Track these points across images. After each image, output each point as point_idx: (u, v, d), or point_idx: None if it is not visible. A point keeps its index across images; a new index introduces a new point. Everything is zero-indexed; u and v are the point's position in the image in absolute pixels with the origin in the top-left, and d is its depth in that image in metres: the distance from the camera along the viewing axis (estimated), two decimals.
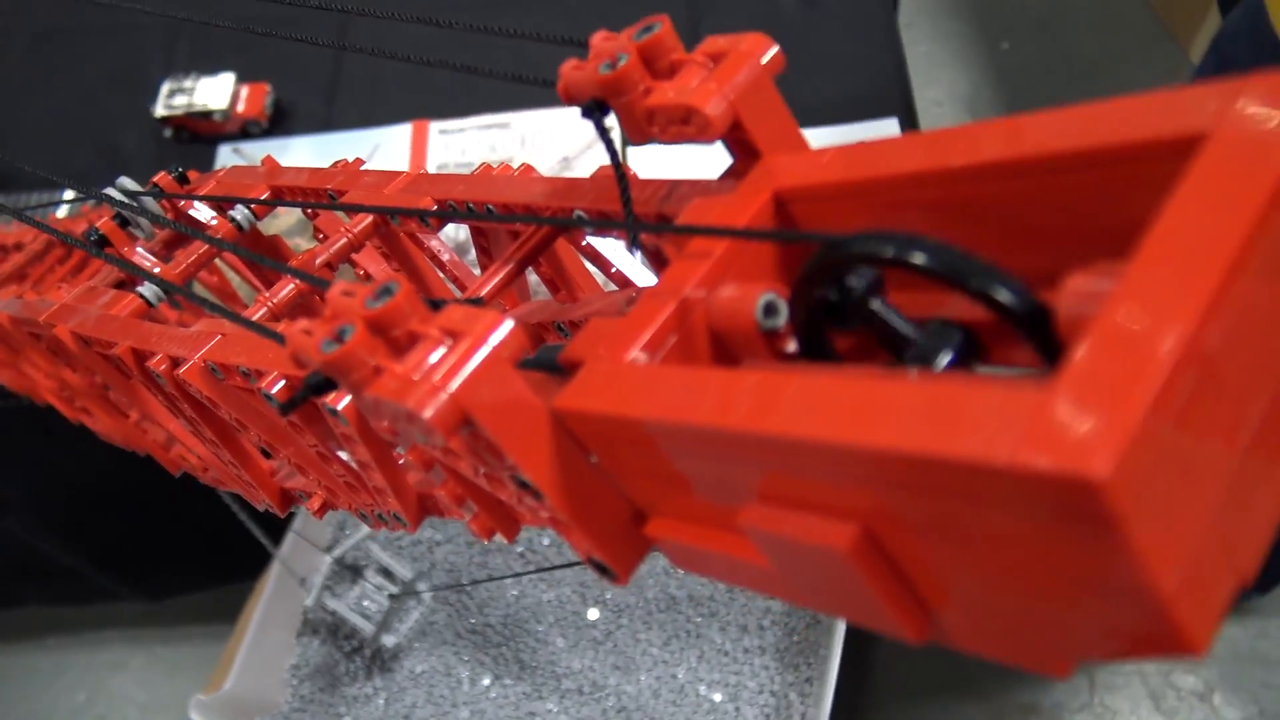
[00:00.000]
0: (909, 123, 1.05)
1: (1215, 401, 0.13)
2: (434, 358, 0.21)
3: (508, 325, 0.21)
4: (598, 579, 1.08)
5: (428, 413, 0.20)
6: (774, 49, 0.24)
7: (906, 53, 1.13)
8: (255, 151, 1.16)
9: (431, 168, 1.16)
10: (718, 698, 0.97)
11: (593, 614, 1.03)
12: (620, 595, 1.04)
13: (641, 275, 0.32)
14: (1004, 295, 0.17)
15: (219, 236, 0.43)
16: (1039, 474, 0.12)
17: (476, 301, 0.23)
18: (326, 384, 0.22)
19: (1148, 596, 0.13)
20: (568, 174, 1.02)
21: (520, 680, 1.00)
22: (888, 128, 1.05)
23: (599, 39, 0.26)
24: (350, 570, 0.96)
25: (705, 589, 1.02)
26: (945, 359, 0.19)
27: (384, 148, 1.17)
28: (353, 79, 1.24)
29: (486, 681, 1.02)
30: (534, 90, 1.10)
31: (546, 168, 1.07)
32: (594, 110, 0.25)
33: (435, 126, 1.18)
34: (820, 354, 0.21)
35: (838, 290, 0.20)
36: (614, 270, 0.33)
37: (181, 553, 1.24)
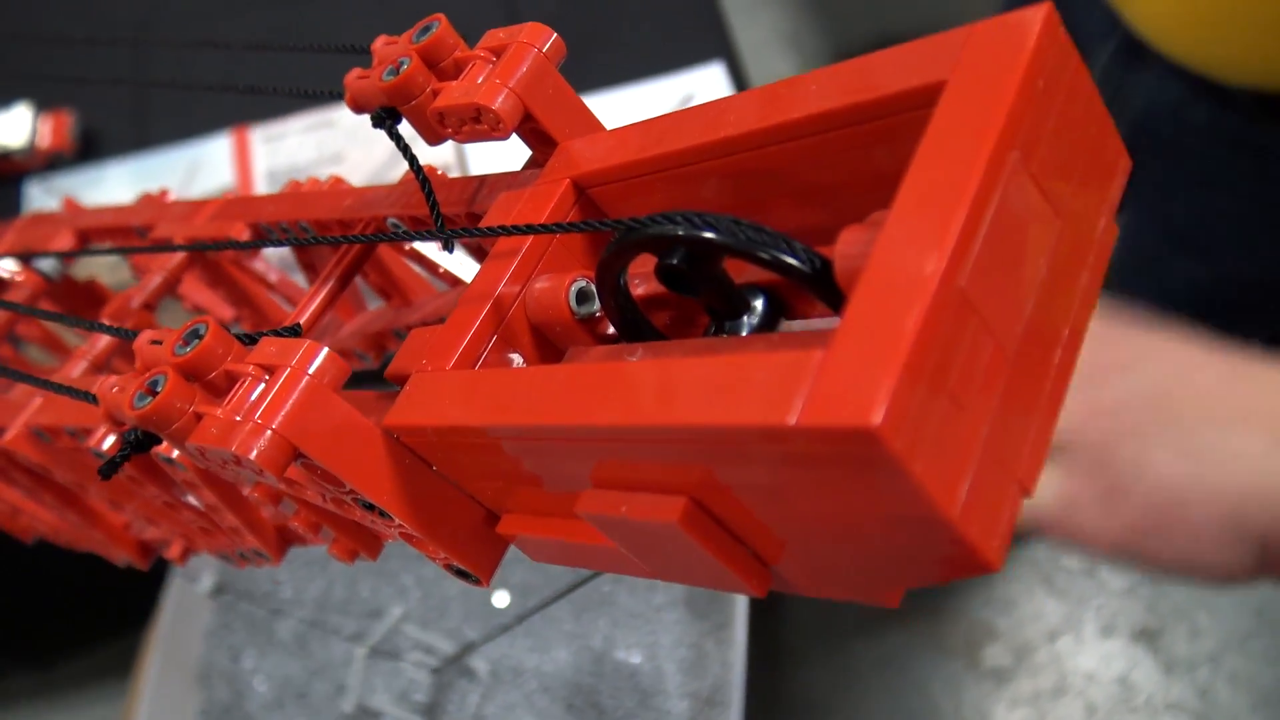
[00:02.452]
0: (733, 67, 1.07)
1: (976, 332, 0.14)
2: (254, 396, 0.20)
3: (323, 352, 0.20)
4: (500, 567, 1.08)
5: (254, 454, 0.19)
6: (553, 36, 0.24)
7: (725, 11, 1.14)
8: (68, 185, 1.10)
9: (260, 175, 1.12)
10: (636, 659, 0.99)
11: (500, 600, 1.03)
12: (526, 578, 1.04)
13: (468, 270, 0.32)
14: (790, 260, 0.17)
15: (26, 290, 0.41)
16: (820, 430, 0.13)
17: (295, 330, 0.23)
18: (148, 438, 0.22)
19: (938, 524, 0.14)
20: (401, 164, 1.00)
21: (438, 680, 1.00)
22: (712, 74, 1.06)
23: (380, 44, 0.26)
24: (386, 657, 0.92)
25: None
26: (749, 323, 0.20)
27: (206, 162, 1.12)
28: (161, 93, 1.18)
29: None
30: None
31: (379, 159, 1.05)
32: (384, 119, 0.25)
33: (258, 133, 1.13)
34: (640, 333, 0.22)
35: (686, 259, 0.20)
36: (441, 270, 0.32)
37: (62, 615, 1.18)
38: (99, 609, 1.14)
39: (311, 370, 0.20)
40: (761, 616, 0.91)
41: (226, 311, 0.41)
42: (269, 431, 0.20)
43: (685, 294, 0.20)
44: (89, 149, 1.12)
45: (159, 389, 0.20)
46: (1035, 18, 0.16)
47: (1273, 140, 0.66)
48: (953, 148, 0.15)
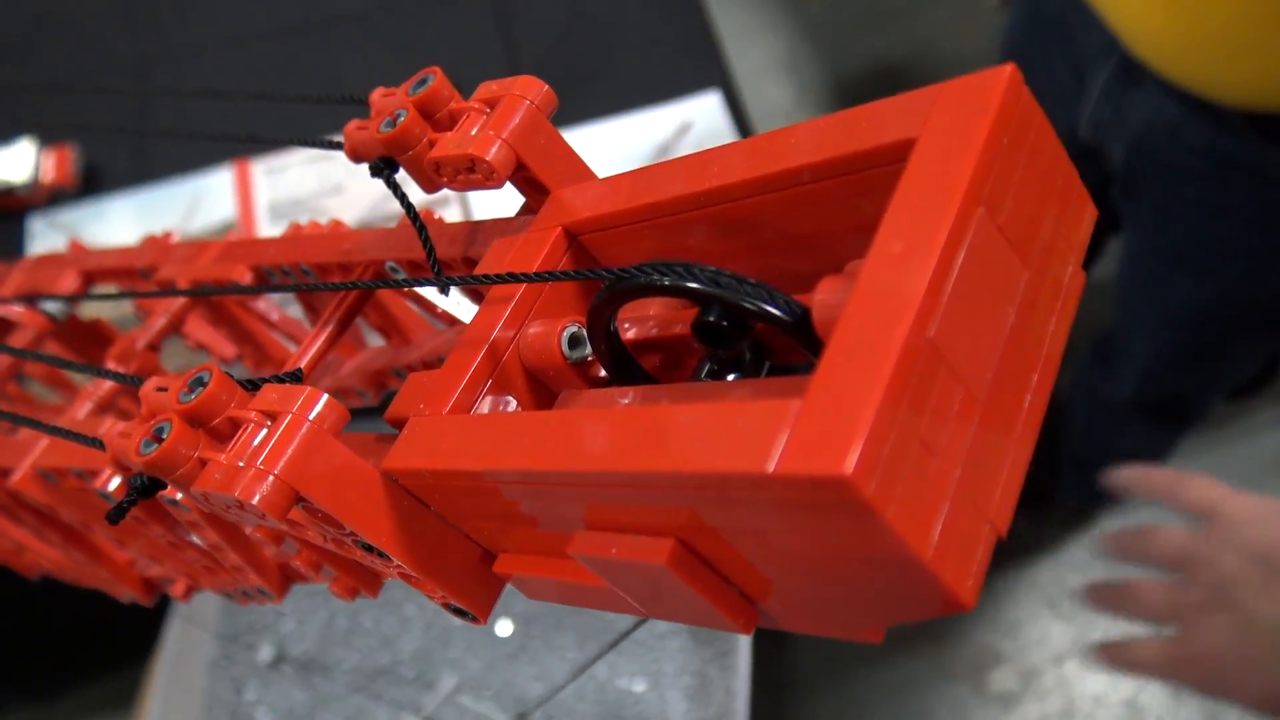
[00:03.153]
0: (730, 94, 1.08)
1: (946, 380, 0.15)
2: (256, 441, 0.21)
3: (323, 399, 0.21)
4: (503, 595, 1.08)
5: (256, 499, 0.20)
6: (544, 89, 0.25)
7: (719, 25, 1.15)
8: (71, 220, 1.11)
9: (263, 208, 1.13)
10: (640, 688, 0.99)
11: (503, 629, 1.03)
12: (529, 606, 1.04)
13: (466, 310, 0.33)
14: (772, 310, 0.18)
15: (32, 331, 0.41)
16: (797, 478, 0.14)
17: (296, 375, 0.24)
18: (154, 484, 0.22)
19: (911, 565, 0.14)
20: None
21: (442, 711, 1.00)
22: (709, 102, 1.07)
23: (377, 96, 0.26)
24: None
25: None
26: (733, 370, 0.20)
27: (208, 195, 1.13)
28: (162, 127, 1.19)
29: (410, 719, 1.01)
30: (355, 115, 1.08)
31: (379, 192, 1.06)
32: (382, 169, 0.25)
33: (259, 166, 1.15)
34: (630, 375, 0.22)
35: (723, 315, 0.20)
36: (439, 310, 0.33)
37: (62, 648, 1.18)
38: (99, 642, 1.14)
39: (312, 416, 0.21)
40: (766, 644, 0.91)
41: (229, 349, 0.42)
42: (271, 477, 0.20)
43: (720, 347, 0.20)
44: (92, 183, 1.13)
45: (164, 436, 0.21)
46: (999, 78, 0.16)
47: (1269, 161, 0.67)
48: (921, 204, 0.16)
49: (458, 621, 1.10)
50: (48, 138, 1.12)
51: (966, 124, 0.16)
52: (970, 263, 0.15)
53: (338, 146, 0.27)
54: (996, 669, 1.19)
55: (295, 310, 0.44)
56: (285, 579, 0.31)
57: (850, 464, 0.13)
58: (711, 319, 0.19)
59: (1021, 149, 0.17)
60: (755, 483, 0.15)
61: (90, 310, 0.49)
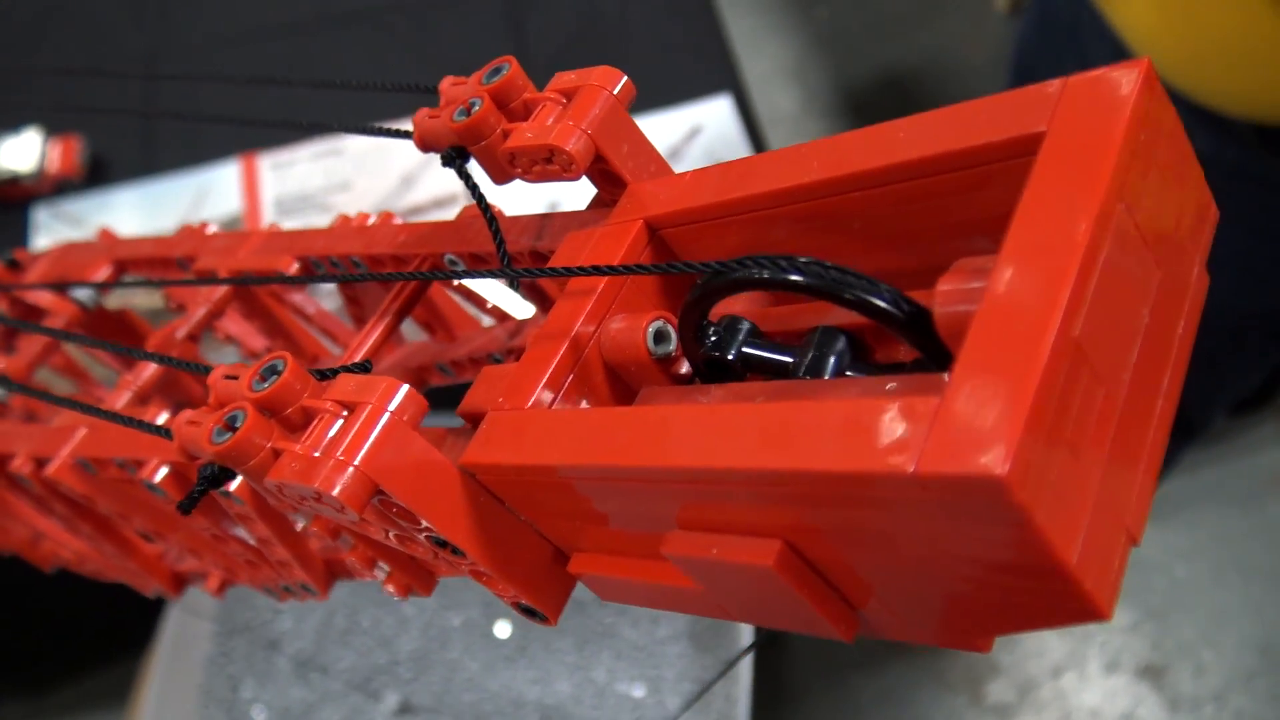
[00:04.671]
0: (740, 98, 1.08)
1: (1090, 381, 0.15)
2: (332, 432, 0.20)
3: (404, 389, 0.20)
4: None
5: (337, 490, 0.19)
6: (624, 79, 0.24)
7: (729, 29, 1.15)
8: (76, 210, 1.10)
9: (269, 202, 1.12)
10: (639, 693, 0.98)
11: (502, 631, 1.03)
12: None
13: (516, 306, 0.32)
14: (881, 304, 0.17)
15: (62, 319, 0.40)
16: (942, 478, 0.13)
17: (365, 367, 0.23)
18: (223, 474, 0.22)
19: (1055, 574, 0.14)
20: (409, 192, 1.00)
21: (438, 712, 0.99)
22: (720, 106, 1.07)
23: (448, 85, 0.26)
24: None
25: None
26: (830, 365, 0.20)
27: (214, 188, 1.12)
28: (170, 120, 1.18)
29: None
30: (363, 109, 1.07)
31: (386, 188, 1.05)
32: (454, 158, 0.25)
33: (266, 160, 1.14)
34: (716, 372, 0.22)
35: (714, 347, 0.21)
36: (490, 305, 0.32)
37: (56, 641, 1.17)
38: (95, 635, 1.13)
39: (392, 407, 0.20)
40: (764, 651, 0.90)
41: (259, 342, 0.41)
42: (351, 468, 0.20)
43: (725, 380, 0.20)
44: (97, 174, 1.12)
45: (238, 424, 0.20)
46: (1136, 72, 0.16)
47: (1273, 171, 0.67)
48: (1060, 198, 0.15)
49: (456, 622, 1.09)
50: (54, 128, 1.11)
51: (1103, 117, 0.16)
52: (1111, 261, 0.15)
53: (406, 135, 0.26)
54: (994, 680, 1.19)
55: (326, 303, 0.43)
56: (331, 575, 0.30)
57: (1004, 465, 0.13)
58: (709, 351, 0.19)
59: (1157, 145, 0.16)
60: (891, 483, 0.14)
61: (116, 302, 0.48)
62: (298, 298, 0.39)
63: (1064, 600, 0.14)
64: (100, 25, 1.25)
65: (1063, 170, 0.16)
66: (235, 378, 0.22)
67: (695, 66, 1.11)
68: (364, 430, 0.20)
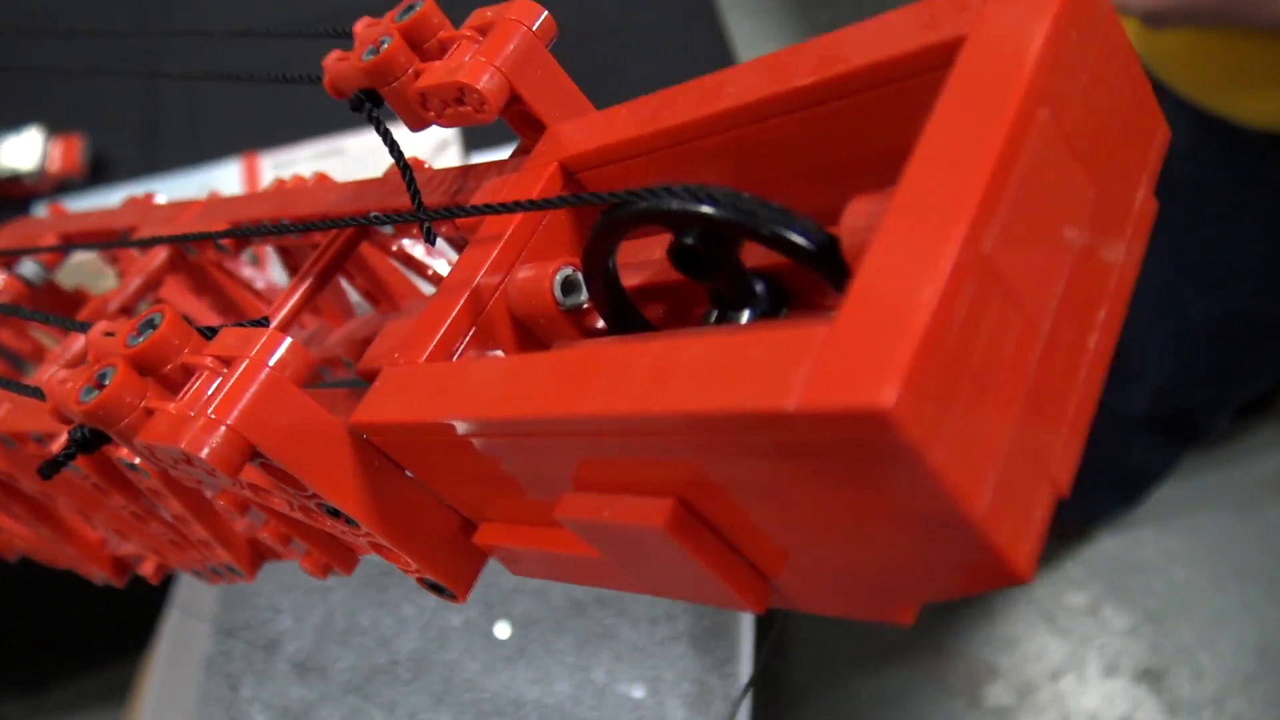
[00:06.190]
0: None
1: (1003, 306, 0.13)
2: (210, 389, 0.19)
3: (286, 342, 0.19)
4: (502, 598, 1.06)
5: (204, 451, 0.18)
6: (543, 14, 0.22)
7: (730, 31, 1.13)
8: (77, 208, 1.09)
9: None
10: (639, 694, 0.96)
11: (501, 632, 1.01)
12: (527, 609, 1.01)
13: None
14: (793, 236, 0.16)
15: (8, 296, 0.39)
16: (823, 414, 0.11)
17: (262, 322, 0.21)
18: (96, 436, 0.20)
19: (958, 524, 0.12)
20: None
21: (438, 713, 0.97)
22: None
23: (361, 26, 0.24)
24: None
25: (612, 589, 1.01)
26: (754, 310, 0.18)
27: (215, 187, 1.11)
28: (172, 118, 1.18)
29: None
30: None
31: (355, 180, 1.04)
32: (363, 101, 0.23)
33: (267, 160, 1.13)
34: (630, 326, 0.20)
35: (699, 237, 0.18)
36: (431, 273, 0.31)
37: (55, 640, 1.16)
38: (92, 635, 1.13)
39: (272, 362, 0.18)
40: (766, 650, 0.89)
41: (212, 319, 0.40)
42: (223, 428, 0.18)
43: (697, 278, 0.18)
44: (99, 173, 1.11)
45: (106, 381, 0.19)
46: None
47: None
48: (975, 102, 0.13)
49: (456, 622, 1.08)
50: (55, 126, 1.11)
51: (1028, 14, 0.14)
52: (1032, 171, 0.13)
53: (316, 81, 0.25)
54: (992, 683, 1.17)
55: (281, 278, 0.41)
56: (256, 555, 0.29)
57: (890, 396, 0.11)
58: (691, 241, 0.17)
59: (1090, 48, 0.14)
60: (772, 423, 0.12)
61: (72, 281, 0.47)
62: (246, 271, 0.37)
63: (974, 557, 0.12)
64: (101, 25, 1.25)
65: (980, 72, 0.14)
66: (113, 334, 0.20)
67: (696, 68, 1.09)
68: (239, 386, 0.18)
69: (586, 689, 0.99)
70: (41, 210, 1.10)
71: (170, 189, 1.11)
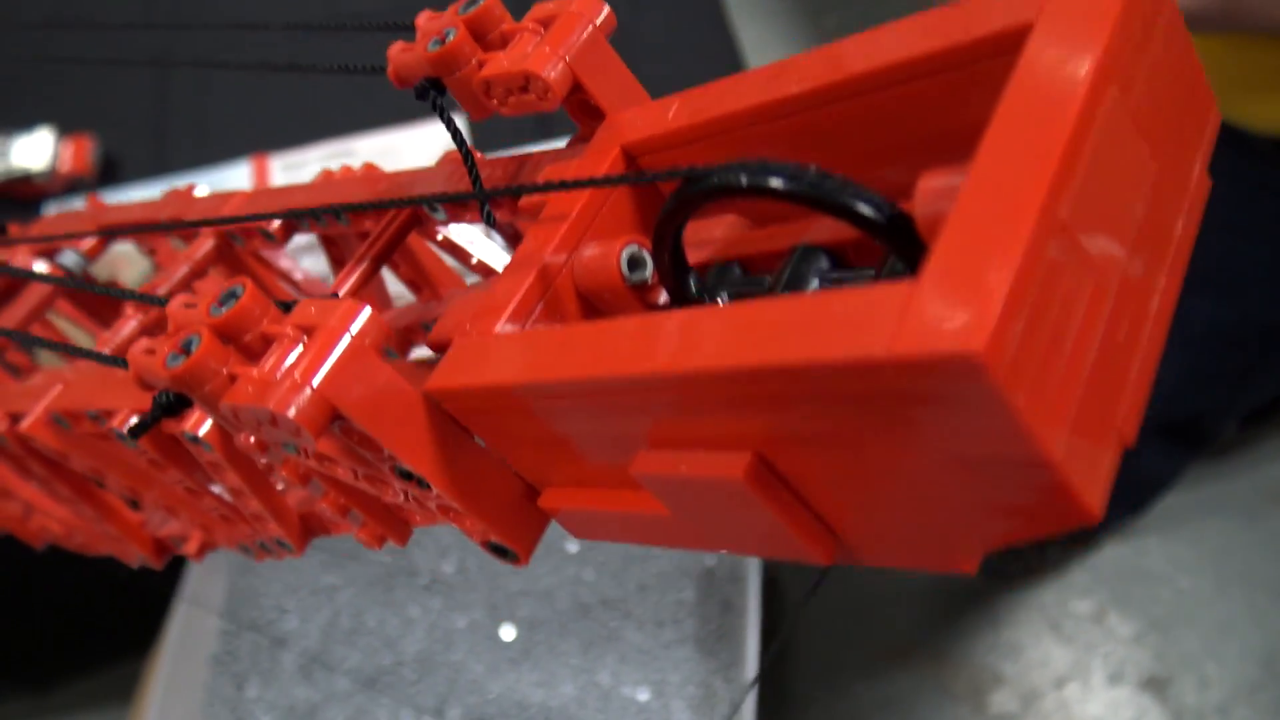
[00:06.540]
0: None
1: (1077, 269, 0.14)
2: (292, 357, 0.19)
3: (366, 311, 0.20)
4: (507, 600, 1.06)
5: (292, 411, 0.18)
6: (605, 9, 0.23)
7: (739, 36, 1.14)
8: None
9: None
10: (644, 696, 0.97)
11: (507, 634, 1.01)
12: (533, 611, 1.02)
13: (504, 261, 0.31)
14: (863, 207, 0.16)
15: (47, 286, 0.40)
16: (916, 360, 0.12)
17: (332, 297, 0.22)
18: (178, 401, 0.21)
19: (1038, 464, 0.13)
20: None
21: (442, 714, 0.98)
22: None
23: (424, 19, 0.25)
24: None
25: (617, 591, 1.02)
26: (813, 281, 0.19)
27: (224, 188, 1.12)
28: (181, 118, 1.19)
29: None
30: (375, 112, 1.07)
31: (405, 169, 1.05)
32: (428, 90, 0.24)
33: (277, 161, 1.14)
34: (693, 301, 0.21)
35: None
36: (475, 261, 0.32)
37: (61, 638, 1.16)
38: (99, 633, 1.13)
39: (353, 330, 0.19)
40: (771, 654, 0.89)
41: None
42: (308, 390, 0.19)
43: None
44: (109, 173, 1.12)
45: (193, 349, 0.20)
46: None
47: None
48: (1047, 82, 0.14)
49: (461, 624, 1.09)
50: (66, 126, 1.12)
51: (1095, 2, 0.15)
52: (1102, 145, 0.14)
53: (380, 72, 0.26)
54: (997, 690, 1.17)
55: (314, 269, 0.42)
56: (307, 530, 0.29)
57: (980, 341, 0.12)
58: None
59: (1154, 32, 0.15)
60: (863, 370, 0.13)
61: (107, 273, 0.48)
62: (284, 262, 0.38)
63: (1050, 498, 0.13)
64: (112, 23, 1.26)
65: (1051, 56, 0.15)
66: (194, 305, 0.21)
67: (705, 73, 1.10)
68: (322, 352, 0.19)
69: (591, 691, 1.00)
70: (53, 211, 1.11)
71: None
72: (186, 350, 0.20)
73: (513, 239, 0.29)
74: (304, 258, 0.63)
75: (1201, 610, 1.17)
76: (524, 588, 1.06)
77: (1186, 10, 0.56)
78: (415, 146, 1.04)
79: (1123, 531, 1.21)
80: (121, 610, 0.87)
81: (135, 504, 0.35)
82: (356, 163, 1.18)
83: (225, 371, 0.20)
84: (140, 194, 1.12)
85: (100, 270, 0.48)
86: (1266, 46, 0.60)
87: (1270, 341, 0.82)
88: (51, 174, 1.11)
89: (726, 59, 1.12)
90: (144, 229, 0.33)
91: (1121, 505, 1.14)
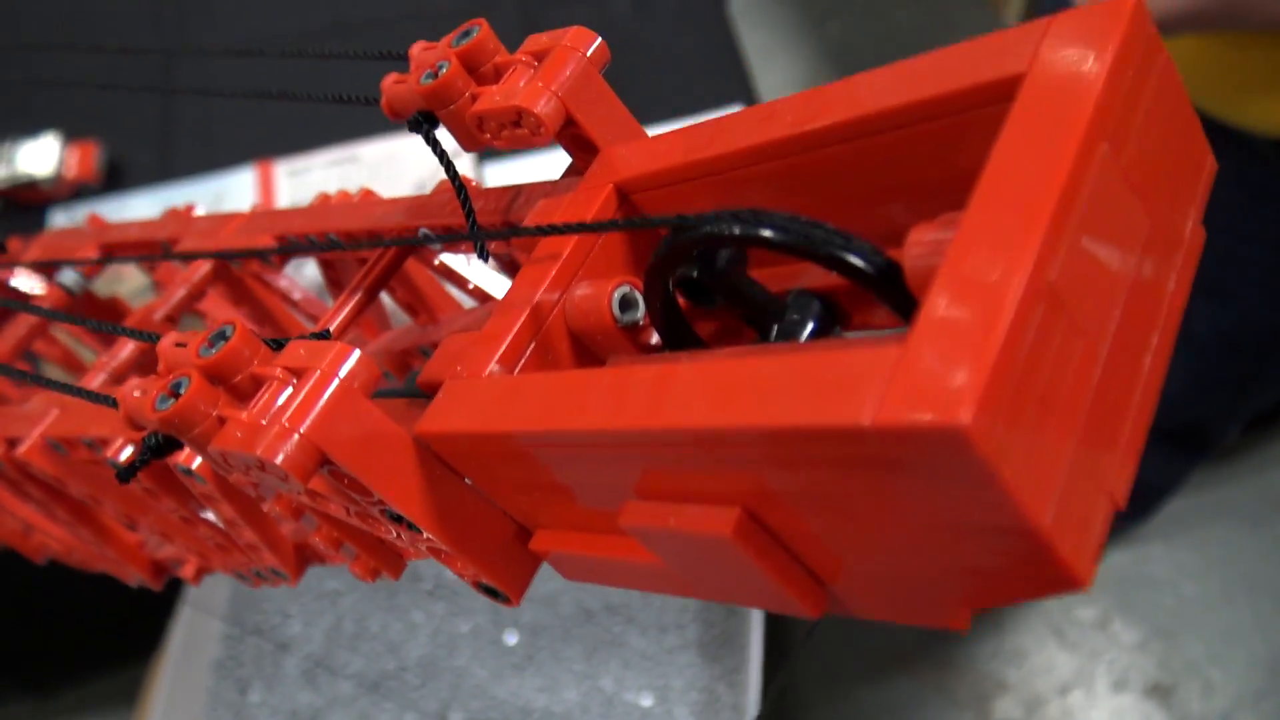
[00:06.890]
0: None
1: (1066, 332, 0.13)
2: (281, 399, 0.19)
3: (355, 355, 0.20)
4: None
5: (279, 458, 0.18)
6: (597, 41, 0.23)
7: (742, 43, 1.14)
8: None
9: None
10: (647, 702, 0.97)
11: (510, 639, 1.01)
12: (536, 616, 1.02)
13: (500, 287, 0.31)
14: (852, 259, 0.16)
15: (46, 304, 0.40)
16: (900, 430, 0.12)
17: (323, 335, 0.22)
18: (168, 443, 0.21)
19: (1026, 534, 0.13)
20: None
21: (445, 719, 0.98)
22: None
23: (418, 49, 0.25)
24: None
25: (620, 597, 1.02)
26: (806, 329, 0.19)
27: (229, 194, 1.12)
28: (186, 125, 1.19)
29: None
30: (379, 117, 1.07)
31: (403, 195, 1.05)
32: (420, 123, 0.24)
33: (282, 167, 1.14)
34: (684, 343, 0.21)
35: (700, 267, 0.19)
36: (471, 286, 0.32)
37: (64, 643, 1.16)
38: (102, 638, 1.13)
39: (342, 374, 0.19)
40: (771, 664, 0.89)
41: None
42: (296, 435, 0.19)
43: (705, 304, 0.19)
44: (114, 179, 1.12)
45: (182, 391, 0.20)
46: (1124, 7, 0.15)
47: None
48: (1038, 136, 0.14)
49: (465, 629, 1.09)
50: (72, 133, 1.12)
51: (1087, 53, 0.15)
52: (1093, 205, 0.14)
53: (374, 103, 0.26)
54: (1001, 697, 1.17)
55: (325, 299, 0.42)
56: (301, 560, 0.29)
57: (967, 414, 0.12)
58: (693, 274, 0.18)
59: (1146, 85, 0.15)
60: (848, 438, 0.13)
61: (108, 290, 0.48)
62: (283, 282, 0.38)
63: (1039, 566, 0.13)
64: (118, 33, 1.26)
65: (1042, 109, 0.14)
66: (184, 345, 0.21)
67: (708, 79, 1.10)
68: (311, 396, 0.19)
69: (594, 697, 1.00)
70: (59, 217, 1.11)
71: (185, 195, 1.12)
72: (176, 392, 0.20)
73: (508, 265, 0.29)
74: (305, 264, 0.63)
75: (1206, 617, 1.17)
76: (527, 593, 1.05)
77: (1188, 10, 0.55)
78: (419, 153, 1.04)
79: (1126, 538, 1.20)
80: (125, 615, 0.87)
81: (133, 526, 0.35)
82: (361, 168, 1.18)
83: (214, 414, 0.20)
84: (146, 200, 1.12)
85: (102, 287, 0.48)
86: (1268, 45, 0.60)
87: (1273, 347, 0.81)
88: (57, 180, 1.11)
89: (731, 66, 1.11)
90: (143, 258, 0.33)
91: (1124, 512, 1.13)
